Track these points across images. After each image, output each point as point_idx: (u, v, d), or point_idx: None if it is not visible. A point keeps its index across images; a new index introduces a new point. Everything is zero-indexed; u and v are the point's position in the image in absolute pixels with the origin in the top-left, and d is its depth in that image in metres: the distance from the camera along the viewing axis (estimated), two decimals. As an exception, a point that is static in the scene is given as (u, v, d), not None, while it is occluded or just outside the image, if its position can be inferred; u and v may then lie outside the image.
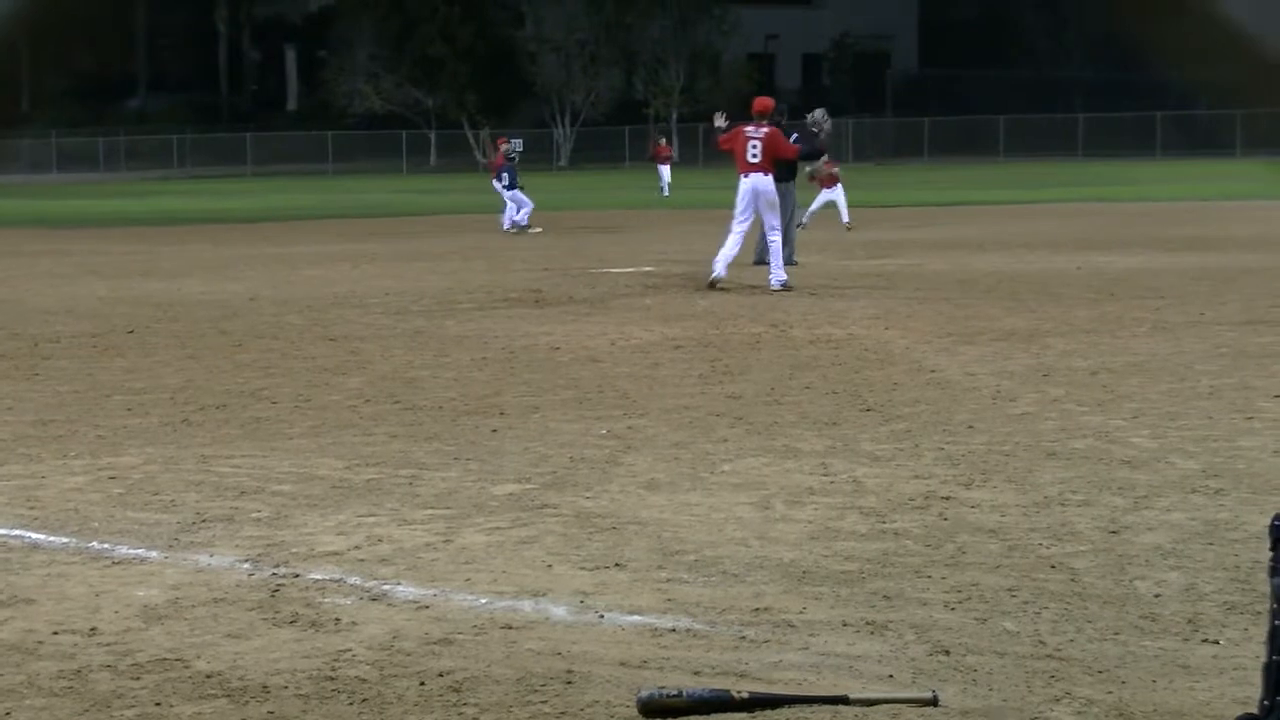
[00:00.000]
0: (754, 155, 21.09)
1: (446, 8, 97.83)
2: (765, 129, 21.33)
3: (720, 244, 21.59)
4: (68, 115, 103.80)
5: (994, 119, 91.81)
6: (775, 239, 21.36)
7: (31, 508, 8.88)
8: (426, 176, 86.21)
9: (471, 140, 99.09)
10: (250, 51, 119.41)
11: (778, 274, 21.14)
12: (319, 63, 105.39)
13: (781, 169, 25.08)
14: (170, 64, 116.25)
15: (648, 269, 24.95)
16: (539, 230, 36.36)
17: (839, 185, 35.10)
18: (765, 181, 21.18)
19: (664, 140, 58.92)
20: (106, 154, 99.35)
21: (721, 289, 21.16)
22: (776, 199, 21.51)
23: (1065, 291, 20.27)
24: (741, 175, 21.29)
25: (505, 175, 37.41)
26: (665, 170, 57.96)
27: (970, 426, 10.91)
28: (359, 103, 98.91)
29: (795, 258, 25.26)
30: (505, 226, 37.26)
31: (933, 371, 13.63)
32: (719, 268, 21.27)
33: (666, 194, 55.56)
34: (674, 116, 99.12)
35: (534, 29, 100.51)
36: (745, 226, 21.43)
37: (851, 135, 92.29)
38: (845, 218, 34.61)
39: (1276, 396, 11.89)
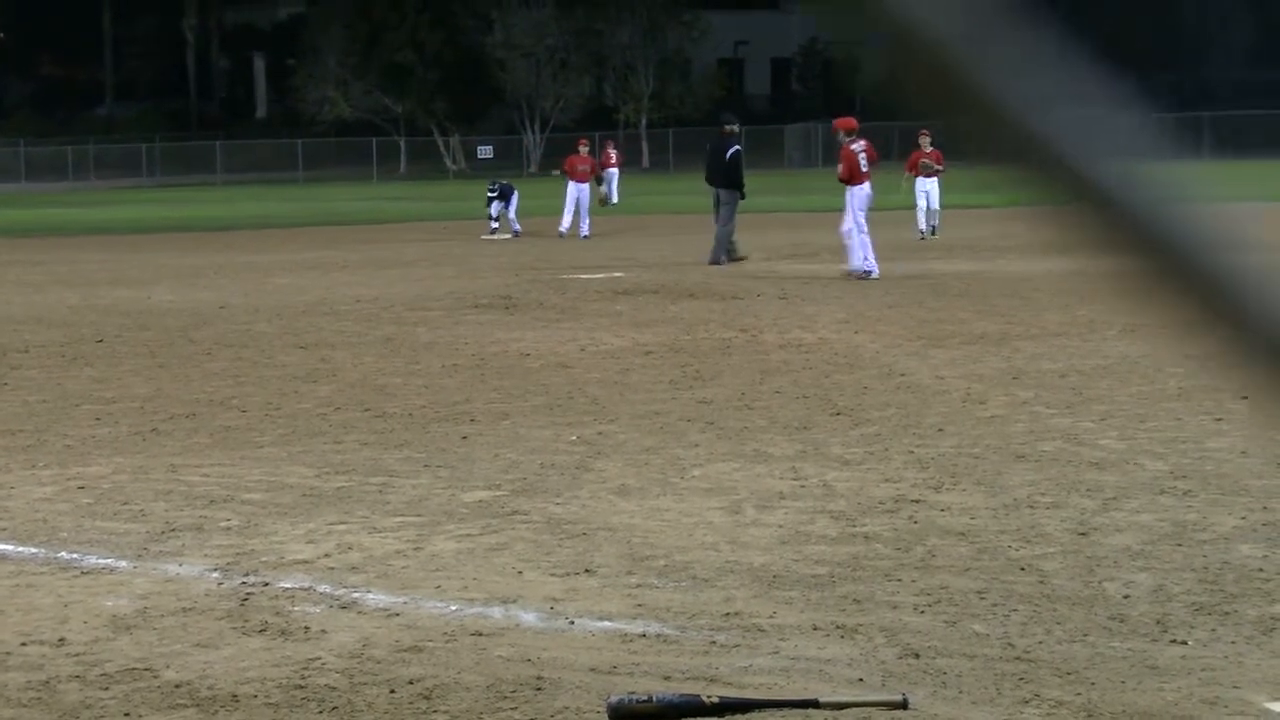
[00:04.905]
0: (865, 166, 24.25)
1: (415, 15, 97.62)
2: (863, 141, 24.54)
3: (850, 251, 23.90)
4: (35, 124, 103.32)
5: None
6: (865, 237, 23.73)
7: (-1, 518, 8.86)
8: (397, 184, 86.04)
9: (442, 147, 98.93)
10: (219, 60, 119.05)
11: (857, 263, 23.51)
12: (288, 70, 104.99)
13: (734, 177, 26.14)
14: (138, 71, 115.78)
15: (618, 274, 24.95)
16: (507, 237, 36.42)
17: (936, 180, 34.66)
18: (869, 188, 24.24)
19: (609, 146, 53.56)
20: (75, 162, 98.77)
21: (691, 296, 21.22)
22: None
23: (1035, 295, 20.32)
24: (858, 185, 24.03)
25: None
26: (608, 175, 48.58)
27: (940, 430, 10.94)
28: (328, 110, 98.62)
29: (724, 258, 25.71)
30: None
31: (903, 375, 13.66)
32: (874, 267, 23.37)
33: (614, 201, 48.29)
34: (643, 122, 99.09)
35: (503, 35, 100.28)
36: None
37: (821, 141, 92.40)
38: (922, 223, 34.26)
39: (1244, 398, 11.93)
